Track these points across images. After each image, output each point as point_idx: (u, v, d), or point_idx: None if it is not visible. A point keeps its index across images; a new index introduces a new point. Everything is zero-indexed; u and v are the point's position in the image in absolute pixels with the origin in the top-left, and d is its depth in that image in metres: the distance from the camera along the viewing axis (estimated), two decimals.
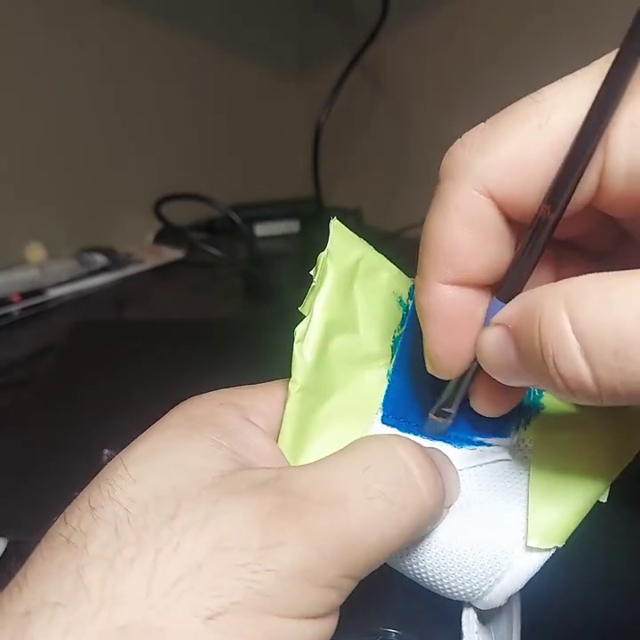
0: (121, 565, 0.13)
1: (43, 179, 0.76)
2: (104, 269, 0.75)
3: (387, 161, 0.90)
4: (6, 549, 0.34)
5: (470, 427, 0.20)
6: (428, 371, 0.18)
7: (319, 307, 0.18)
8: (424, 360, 0.19)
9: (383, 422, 0.19)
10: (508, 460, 0.19)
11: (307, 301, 0.19)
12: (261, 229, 0.87)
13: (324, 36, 0.93)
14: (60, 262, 0.74)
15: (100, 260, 0.76)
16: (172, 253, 0.81)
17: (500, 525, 0.18)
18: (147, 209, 0.76)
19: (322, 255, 0.19)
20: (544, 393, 0.20)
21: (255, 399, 0.19)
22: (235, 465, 0.16)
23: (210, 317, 0.67)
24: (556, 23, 0.67)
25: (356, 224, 0.87)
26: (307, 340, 0.18)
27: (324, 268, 0.19)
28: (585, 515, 0.18)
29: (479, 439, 0.20)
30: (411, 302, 0.20)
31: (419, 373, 0.19)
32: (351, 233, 0.20)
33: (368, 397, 0.19)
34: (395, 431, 0.19)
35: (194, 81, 0.86)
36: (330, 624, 0.15)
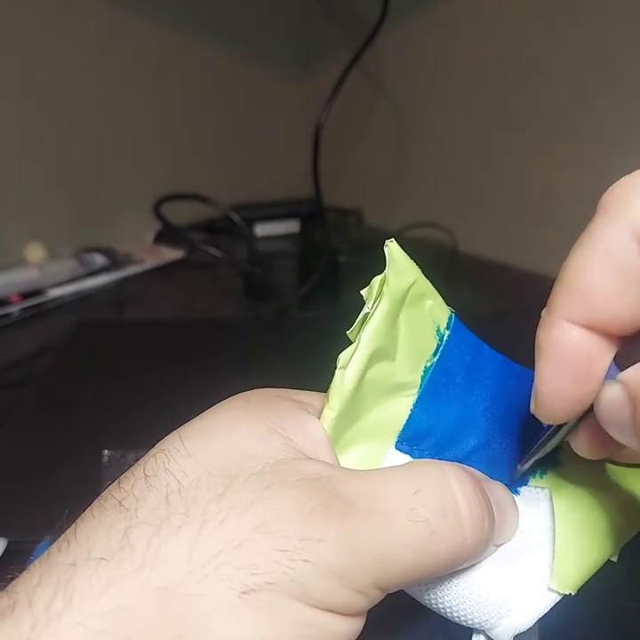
0: (167, 531, 0.14)
1: (42, 179, 0.76)
2: (104, 269, 0.75)
3: (386, 161, 0.89)
4: (6, 549, 0.34)
5: (485, 465, 0.20)
6: (531, 411, 0.17)
7: (368, 336, 0.18)
8: (449, 391, 0.19)
9: (397, 448, 0.19)
10: (523, 503, 0.19)
11: (355, 327, 0.18)
12: (261, 229, 0.87)
13: (323, 36, 0.93)
14: (60, 262, 0.74)
15: (100, 260, 0.76)
16: (172, 253, 0.81)
17: (515, 564, 0.18)
18: (146, 209, 0.75)
19: (377, 279, 0.18)
20: (561, 451, 0.20)
21: (308, 397, 0.19)
22: (288, 453, 0.16)
23: (210, 317, 0.66)
24: (557, 24, 0.67)
25: (356, 224, 0.87)
26: (350, 369, 0.18)
27: (379, 296, 0.18)
28: (597, 569, 0.18)
29: (494, 474, 0.20)
30: (447, 332, 0.20)
31: (442, 405, 0.19)
32: (406, 256, 0.19)
33: (390, 424, 0.19)
34: (407, 458, 0.19)
35: (194, 81, 0.86)
36: (356, 624, 0.15)
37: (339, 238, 0.73)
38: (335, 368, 0.18)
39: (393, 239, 0.19)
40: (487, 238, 0.78)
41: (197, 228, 0.85)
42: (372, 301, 0.18)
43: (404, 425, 0.19)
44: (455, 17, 0.76)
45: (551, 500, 0.19)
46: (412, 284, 0.19)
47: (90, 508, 0.16)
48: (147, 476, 0.15)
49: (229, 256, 0.77)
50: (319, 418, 0.18)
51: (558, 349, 0.16)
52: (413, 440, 0.19)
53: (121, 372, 0.54)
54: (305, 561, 0.14)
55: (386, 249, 0.19)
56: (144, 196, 0.76)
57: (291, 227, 0.88)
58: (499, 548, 0.18)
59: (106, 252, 0.77)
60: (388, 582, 0.15)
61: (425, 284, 0.20)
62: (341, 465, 0.18)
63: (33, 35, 0.71)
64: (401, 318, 0.19)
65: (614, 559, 0.19)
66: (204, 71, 0.87)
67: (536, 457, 0.19)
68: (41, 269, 0.72)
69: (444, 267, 0.73)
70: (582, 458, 0.18)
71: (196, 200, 0.75)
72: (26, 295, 0.66)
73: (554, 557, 0.18)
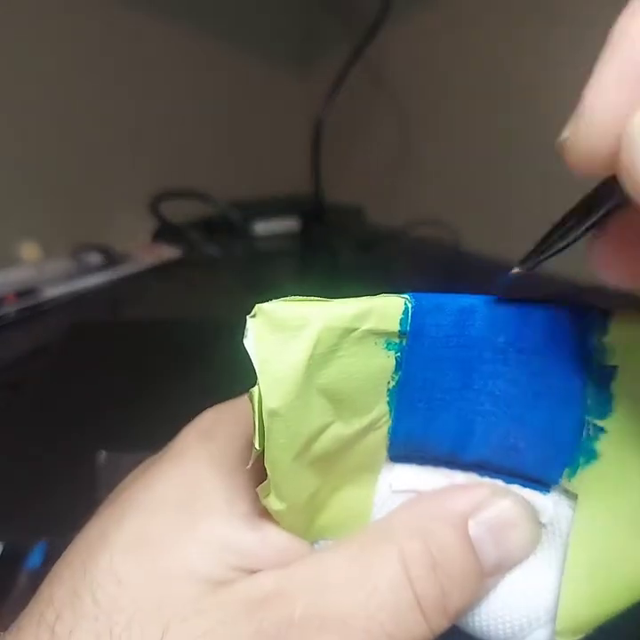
0: None
1: (37, 176, 0.75)
2: (100, 268, 0.74)
3: (388, 157, 0.89)
4: (3, 552, 0.34)
5: (505, 466, 0.17)
6: (560, 141, 0.13)
7: (274, 460, 0.14)
8: (437, 398, 0.16)
9: (392, 460, 0.17)
10: (551, 508, 0.16)
11: (254, 462, 0.15)
12: (261, 227, 0.86)
13: (324, 31, 0.92)
14: (56, 261, 0.73)
15: (97, 258, 0.75)
16: (170, 252, 0.80)
17: (528, 588, 0.16)
18: (144, 207, 0.75)
19: (254, 393, 0.14)
20: (601, 436, 0.15)
21: None
22: (233, 572, 0.15)
23: (208, 317, 0.66)
24: (558, 21, 0.66)
25: (357, 222, 0.86)
26: (274, 495, 0.15)
27: (261, 419, 0.14)
28: (624, 607, 0.15)
29: (516, 479, 0.17)
30: (404, 339, 0.15)
31: (431, 415, 0.16)
32: (285, 316, 0.14)
33: (371, 457, 0.17)
34: (410, 466, 0.17)
35: (192, 77, 0.85)
36: None
37: (339, 236, 0.72)
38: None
39: (255, 309, 0.14)
40: (490, 236, 0.77)
41: (196, 225, 0.84)
42: (257, 431, 0.14)
43: (389, 448, 0.17)
44: (458, 11, 0.75)
45: (574, 513, 0.16)
46: (313, 350, 0.14)
47: (26, 613, 0.14)
48: (75, 594, 0.14)
49: (228, 254, 0.76)
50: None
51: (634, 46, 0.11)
52: (409, 454, 0.17)
53: (117, 372, 0.53)
54: None
55: (245, 340, 0.14)
56: (141, 193, 0.76)
57: (291, 225, 0.87)
58: (516, 569, 0.17)
59: (102, 250, 0.76)
60: None
61: (338, 323, 0.14)
62: (323, 525, 0.16)
63: (31, 32, 0.71)
64: (319, 386, 0.15)
65: None
66: (204, 67, 0.86)
67: (547, 252, 0.14)
68: (36, 268, 0.71)
69: (447, 265, 0.73)
70: (629, 447, 0.15)
71: (194, 197, 0.74)
72: (21, 294, 0.66)
73: (561, 598, 0.15)
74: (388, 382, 0.16)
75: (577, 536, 0.16)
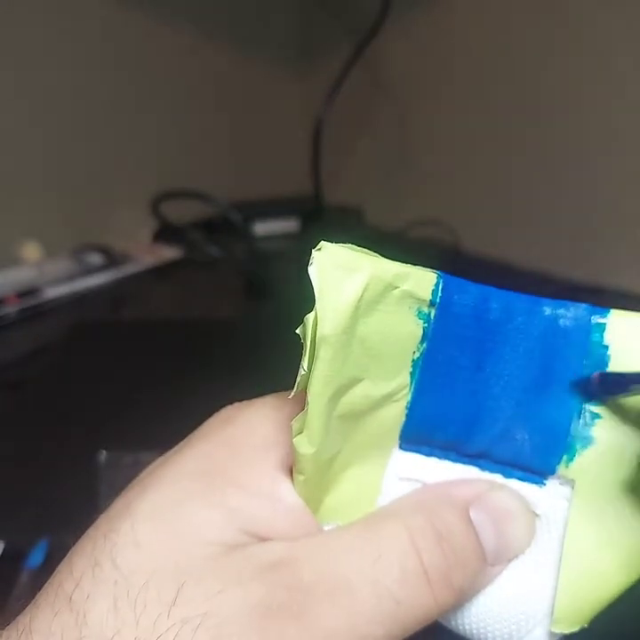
0: None
1: (39, 176, 0.75)
2: (101, 268, 0.74)
3: (388, 158, 0.89)
4: (5, 551, 0.34)
5: (505, 457, 0.17)
6: None
7: (316, 394, 0.15)
8: (453, 376, 0.16)
9: (401, 448, 0.17)
10: (544, 501, 0.17)
11: (297, 388, 0.15)
12: (261, 228, 0.86)
13: (324, 31, 0.92)
14: (57, 261, 0.73)
15: (97, 259, 0.75)
16: (171, 252, 0.80)
17: (524, 586, 0.17)
18: (144, 207, 0.75)
19: (309, 319, 0.15)
20: (598, 422, 0.16)
21: (287, 412, 0.17)
22: (245, 539, 0.15)
23: (209, 317, 0.66)
24: (558, 21, 0.66)
25: (357, 222, 0.86)
26: (307, 433, 0.15)
27: (314, 341, 0.15)
28: (621, 593, 0.16)
29: (514, 471, 0.17)
30: (433, 310, 0.16)
31: (446, 394, 0.17)
32: (343, 261, 0.15)
33: (383, 436, 0.17)
34: (413, 457, 0.17)
35: (192, 77, 0.86)
36: None
37: (339, 237, 0.72)
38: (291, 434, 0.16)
39: (322, 244, 0.15)
40: (490, 236, 0.77)
41: (196, 226, 0.84)
42: (308, 353, 0.15)
43: (402, 429, 0.17)
44: (458, 12, 0.75)
45: (571, 500, 0.16)
46: (363, 292, 0.15)
47: (47, 585, 0.15)
48: (95, 564, 0.15)
49: (228, 255, 0.77)
50: (292, 478, 0.16)
51: None
52: (419, 439, 0.17)
53: (118, 372, 0.53)
54: None
55: (311, 268, 0.15)
56: (142, 193, 0.76)
57: (291, 225, 0.87)
58: (512, 563, 0.17)
59: (103, 250, 0.76)
60: None
61: (384, 276, 0.15)
62: (330, 505, 0.17)
63: (32, 32, 0.71)
64: (360, 333, 0.15)
65: None
66: (204, 67, 0.86)
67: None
68: (37, 268, 0.71)
69: (447, 265, 0.73)
70: (623, 430, 0.15)
71: (194, 198, 0.74)
72: (22, 295, 0.66)
73: (557, 590, 0.16)
74: (414, 352, 0.16)
75: (575, 519, 0.16)
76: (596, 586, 0.16)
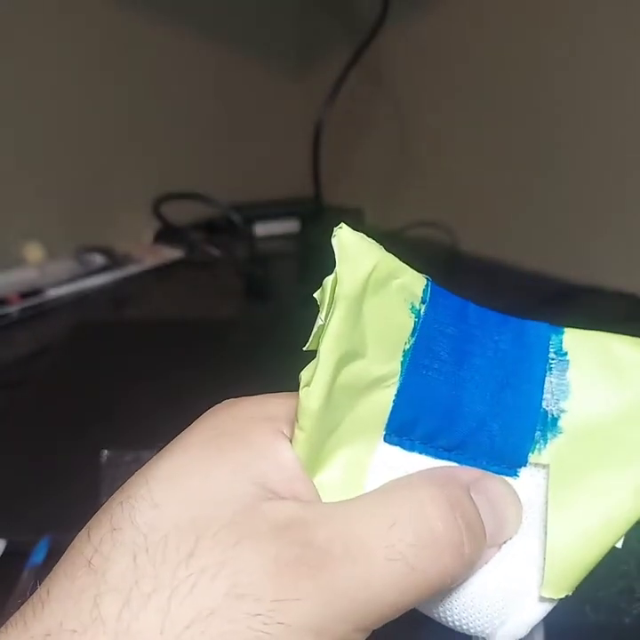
0: (137, 600, 0.14)
1: (41, 178, 0.75)
2: (103, 269, 0.74)
3: (387, 160, 0.89)
4: (5, 549, 0.34)
5: (481, 451, 0.18)
6: None
7: (327, 349, 0.17)
8: (435, 372, 0.18)
9: (385, 441, 0.18)
10: (522, 489, 0.18)
11: (313, 340, 0.17)
12: (261, 229, 0.87)
13: (323, 33, 0.92)
14: (59, 262, 0.74)
15: (99, 259, 0.76)
16: (172, 253, 0.81)
17: (510, 565, 0.17)
18: (146, 208, 0.75)
19: (328, 280, 0.17)
20: (563, 415, 0.18)
21: (288, 408, 0.18)
22: (259, 495, 0.16)
23: (209, 317, 0.66)
24: (558, 21, 0.66)
25: (357, 223, 0.87)
26: (314, 387, 0.17)
27: (332, 300, 0.17)
28: (600, 560, 0.17)
29: (490, 465, 0.18)
30: (423, 306, 0.18)
31: (429, 388, 0.18)
32: (360, 240, 0.17)
33: (374, 421, 0.18)
34: (397, 450, 0.18)
35: (193, 79, 0.86)
36: None
37: None
38: (299, 386, 0.17)
39: (342, 225, 0.17)
40: (487, 237, 0.78)
41: (197, 227, 0.85)
42: (325, 309, 0.17)
43: (389, 417, 0.18)
44: (457, 13, 0.76)
45: (547, 482, 0.18)
46: (372, 271, 0.17)
47: (63, 559, 0.15)
48: (114, 529, 0.15)
49: (229, 255, 0.77)
50: (291, 438, 0.17)
51: None
52: (402, 431, 0.18)
53: (120, 372, 0.54)
54: (280, 623, 0.14)
55: (334, 239, 0.17)
56: (143, 195, 0.76)
57: (291, 226, 0.87)
58: (501, 548, 0.18)
59: (105, 251, 0.77)
60: (370, 623, 0.15)
61: (389, 264, 0.17)
62: (321, 480, 0.17)
63: (33, 34, 0.71)
64: (365, 310, 0.17)
65: (619, 545, 0.17)
66: (204, 70, 0.87)
67: None
68: (40, 269, 0.71)
69: (445, 266, 0.73)
70: (587, 420, 0.18)
71: (195, 199, 0.75)
72: (25, 295, 0.66)
73: (544, 559, 0.17)
74: (405, 343, 0.18)
75: (555, 494, 0.18)
76: (580, 552, 0.17)
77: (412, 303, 0.18)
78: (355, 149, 0.93)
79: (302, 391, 0.17)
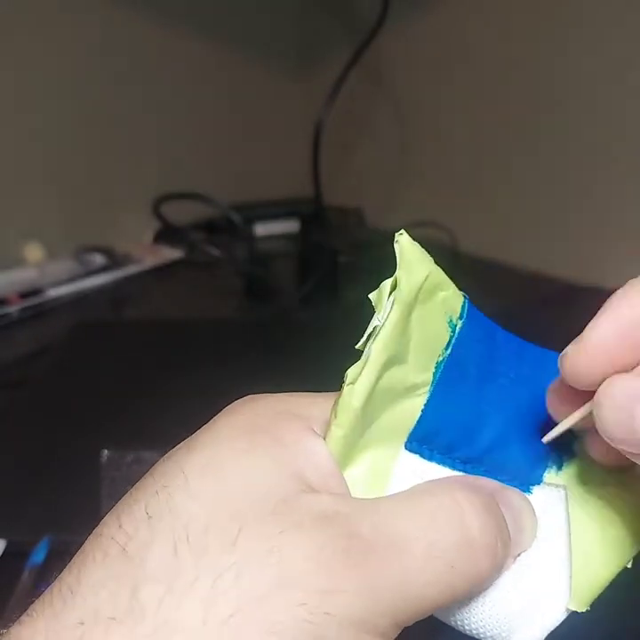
0: (179, 589, 0.13)
1: (41, 178, 0.76)
2: (103, 269, 0.74)
3: (387, 160, 0.89)
4: (6, 549, 0.34)
5: (496, 466, 0.19)
6: (563, 355, 0.16)
7: (378, 350, 0.17)
8: (463, 385, 0.18)
9: (406, 448, 0.19)
10: (537, 505, 0.19)
11: (366, 339, 0.17)
12: (261, 229, 0.87)
13: (324, 33, 0.93)
14: (59, 262, 0.74)
15: (99, 259, 0.76)
16: (172, 253, 0.81)
17: (529, 575, 0.18)
18: (146, 208, 0.75)
19: (387, 284, 0.17)
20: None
21: (315, 408, 0.18)
22: (297, 487, 0.16)
23: (209, 317, 0.66)
24: (559, 22, 0.66)
25: (357, 223, 0.87)
26: (359, 386, 0.17)
27: (390, 304, 0.17)
28: (616, 575, 0.18)
29: (504, 480, 0.19)
30: (460, 322, 0.19)
31: (455, 400, 0.19)
32: (417, 248, 0.18)
33: (401, 427, 0.18)
34: (416, 458, 0.19)
35: (193, 80, 0.86)
36: None
37: (339, 238, 0.72)
38: (343, 383, 0.17)
39: (403, 231, 0.17)
40: (488, 238, 0.78)
41: (197, 227, 0.85)
42: (383, 310, 0.17)
43: (415, 425, 0.18)
44: (457, 13, 0.76)
45: (567, 501, 0.18)
46: (425, 281, 0.17)
47: (89, 546, 0.15)
48: (149, 516, 0.15)
49: (229, 256, 0.77)
50: (326, 434, 0.17)
51: (623, 310, 0.15)
52: (424, 440, 0.19)
53: (119, 372, 0.54)
54: (325, 613, 0.13)
55: (396, 245, 0.17)
56: (143, 195, 0.76)
57: (291, 226, 0.88)
58: (516, 559, 0.18)
59: (105, 251, 0.77)
60: (408, 619, 0.15)
61: (438, 275, 0.18)
62: (348, 478, 0.17)
63: (33, 34, 0.71)
64: (413, 318, 0.18)
65: (629, 565, 0.18)
66: (204, 70, 0.87)
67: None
68: (40, 269, 0.71)
69: (445, 266, 0.73)
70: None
71: (195, 199, 0.75)
72: (25, 295, 0.66)
73: (571, 575, 0.17)
74: (439, 355, 0.18)
75: (574, 514, 0.18)
76: (601, 568, 0.18)
77: (450, 317, 0.19)
78: (355, 149, 0.93)
79: (347, 388, 0.17)
